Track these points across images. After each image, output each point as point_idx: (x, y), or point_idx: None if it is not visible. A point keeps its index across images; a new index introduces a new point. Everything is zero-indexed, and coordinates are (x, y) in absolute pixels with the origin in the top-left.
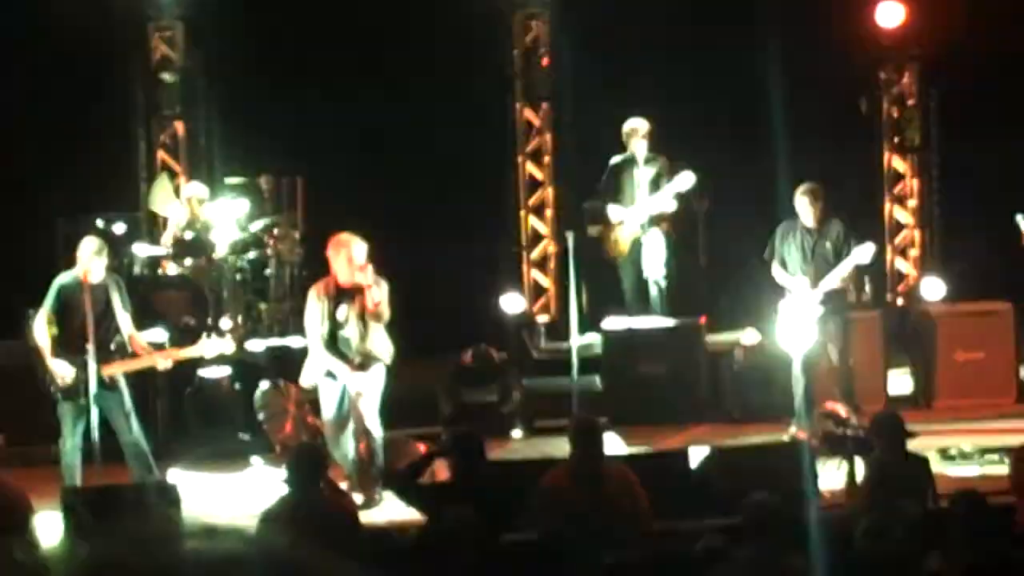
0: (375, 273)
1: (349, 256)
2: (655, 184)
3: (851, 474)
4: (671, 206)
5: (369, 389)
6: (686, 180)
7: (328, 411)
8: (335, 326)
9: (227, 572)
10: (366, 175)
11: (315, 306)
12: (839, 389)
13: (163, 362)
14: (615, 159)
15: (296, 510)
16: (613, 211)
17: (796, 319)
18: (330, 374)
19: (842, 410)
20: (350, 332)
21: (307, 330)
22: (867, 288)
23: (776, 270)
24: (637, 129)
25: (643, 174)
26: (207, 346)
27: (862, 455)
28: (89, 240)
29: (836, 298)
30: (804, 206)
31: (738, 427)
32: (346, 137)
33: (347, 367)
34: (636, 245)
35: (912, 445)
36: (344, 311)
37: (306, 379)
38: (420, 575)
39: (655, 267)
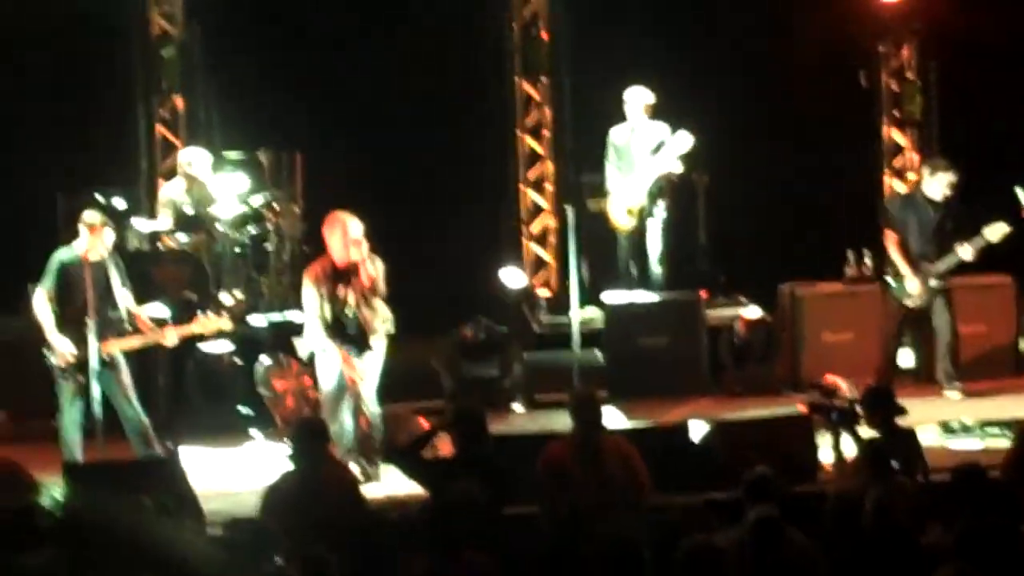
0: (369, 250)
1: (345, 233)
2: (656, 151)
3: (836, 447)
4: (676, 167)
5: (370, 369)
6: (684, 141)
7: (326, 385)
8: (336, 309)
9: None
10: (364, 150)
11: (312, 292)
12: (946, 358)
13: (171, 338)
14: (614, 128)
15: (299, 485)
16: (613, 181)
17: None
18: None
19: (842, 383)
20: (351, 311)
21: (305, 315)
22: (867, 262)
23: (891, 243)
24: (637, 98)
25: (644, 142)
26: (205, 324)
27: (846, 427)
28: (91, 214)
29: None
30: (943, 181)
31: (739, 401)
32: (344, 113)
33: (346, 356)
34: (640, 216)
35: (915, 418)
36: (343, 291)
37: (303, 350)
38: (425, 548)
39: (656, 243)
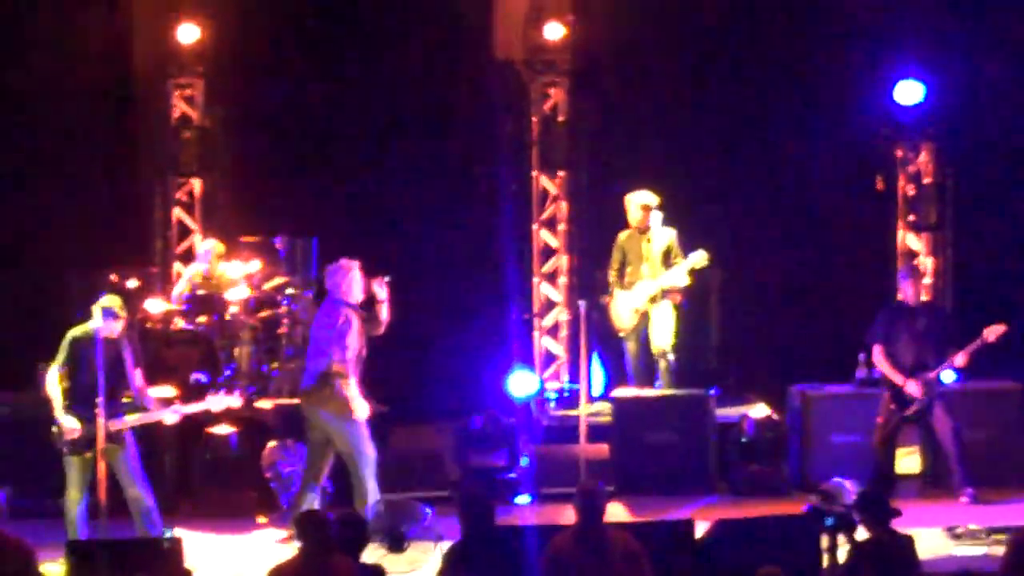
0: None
1: (361, 272)
2: (665, 257)
3: (830, 551)
4: (684, 281)
5: None
6: (699, 258)
7: (369, 451)
8: (362, 347)
9: None
10: (379, 238)
11: (357, 330)
12: (956, 464)
13: (171, 417)
14: (623, 234)
15: (306, 571)
16: (616, 286)
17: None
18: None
19: (848, 485)
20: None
21: (344, 350)
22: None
23: (879, 355)
24: (641, 202)
25: (652, 247)
26: (215, 401)
27: (844, 532)
28: (107, 297)
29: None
30: (908, 284)
31: (746, 500)
32: (360, 200)
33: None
34: (642, 318)
35: (922, 523)
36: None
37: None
38: None
39: (662, 339)
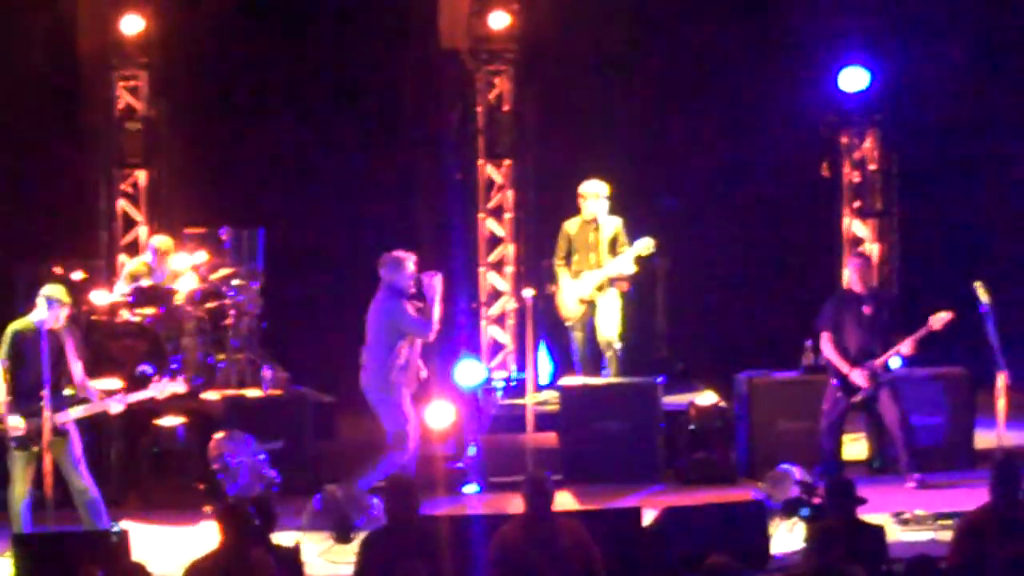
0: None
1: (415, 266)
2: (611, 246)
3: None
4: (630, 268)
5: None
6: (646, 245)
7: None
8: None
9: None
10: (325, 228)
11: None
12: (902, 450)
13: (116, 406)
14: (569, 222)
15: (223, 564)
16: (563, 275)
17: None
18: None
19: (796, 472)
20: None
21: (415, 323)
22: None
23: (826, 343)
24: (593, 192)
25: (599, 236)
26: (159, 387)
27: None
28: (50, 287)
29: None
30: (854, 271)
31: (694, 487)
32: (308, 190)
33: None
34: (589, 307)
35: (868, 508)
36: None
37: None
38: None
39: (609, 328)
